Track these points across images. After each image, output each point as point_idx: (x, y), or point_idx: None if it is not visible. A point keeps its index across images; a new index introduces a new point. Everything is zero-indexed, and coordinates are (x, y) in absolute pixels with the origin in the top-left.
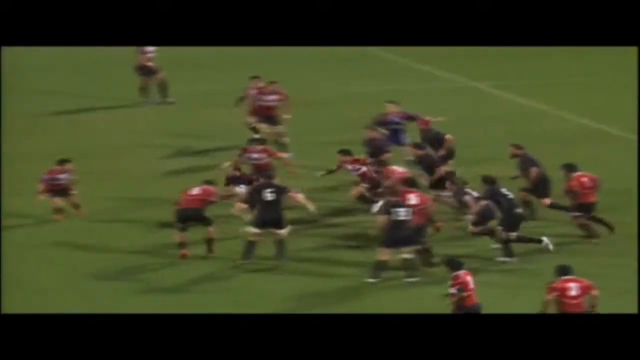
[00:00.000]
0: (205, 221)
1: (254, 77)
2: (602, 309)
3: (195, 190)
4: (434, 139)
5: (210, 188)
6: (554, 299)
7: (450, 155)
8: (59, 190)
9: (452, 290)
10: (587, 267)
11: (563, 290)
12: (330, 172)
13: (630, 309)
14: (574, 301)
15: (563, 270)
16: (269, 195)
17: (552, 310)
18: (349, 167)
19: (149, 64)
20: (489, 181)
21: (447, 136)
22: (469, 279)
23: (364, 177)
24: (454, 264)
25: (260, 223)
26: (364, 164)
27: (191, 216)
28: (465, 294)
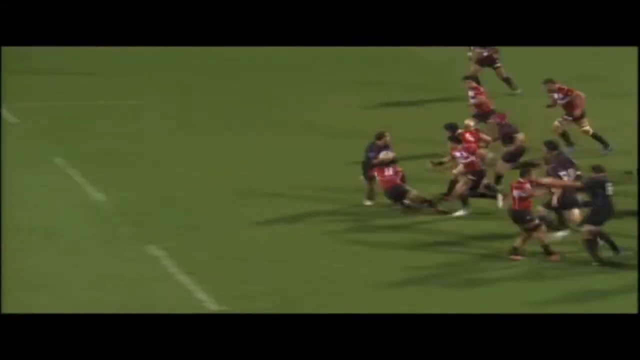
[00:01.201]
0: (527, 224)
1: (466, 78)
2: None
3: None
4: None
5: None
6: None
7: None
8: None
9: None
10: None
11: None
12: (440, 163)
13: (630, 309)
14: None
15: None
16: (610, 189)
17: None
18: (457, 154)
19: (491, 56)
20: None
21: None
22: None
23: (469, 167)
24: None
25: (602, 220)
26: (472, 152)
27: (516, 218)
28: None
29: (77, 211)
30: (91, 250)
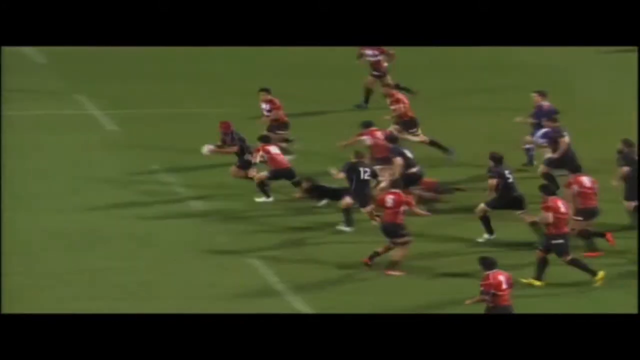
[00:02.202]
0: (399, 237)
1: (263, 90)
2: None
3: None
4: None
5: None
6: (491, 294)
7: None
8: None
9: (482, 290)
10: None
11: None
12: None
13: (630, 309)
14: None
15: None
16: None
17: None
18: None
19: (384, 65)
20: (495, 159)
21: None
22: (502, 278)
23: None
24: (486, 262)
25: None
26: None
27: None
28: (498, 293)
29: (174, 219)
30: (187, 259)
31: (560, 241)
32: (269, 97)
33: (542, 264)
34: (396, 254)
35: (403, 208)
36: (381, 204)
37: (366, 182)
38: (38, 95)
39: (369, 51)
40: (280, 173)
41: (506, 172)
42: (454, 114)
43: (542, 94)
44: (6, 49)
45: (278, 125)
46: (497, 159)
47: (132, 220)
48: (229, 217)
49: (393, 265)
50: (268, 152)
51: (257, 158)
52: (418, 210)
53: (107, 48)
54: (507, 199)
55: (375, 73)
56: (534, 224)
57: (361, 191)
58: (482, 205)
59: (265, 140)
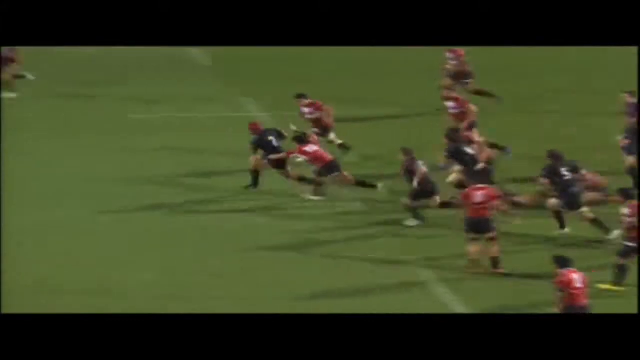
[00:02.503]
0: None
1: (300, 96)
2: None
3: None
4: None
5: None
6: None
7: None
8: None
9: (555, 287)
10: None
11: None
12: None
13: (630, 309)
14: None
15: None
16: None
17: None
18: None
19: (466, 68)
20: (554, 157)
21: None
22: (575, 277)
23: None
24: (560, 260)
25: None
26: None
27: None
28: (570, 292)
29: (327, 217)
30: (346, 258)
31: (634, 245)
32: (308, 100)
33: (622, 270)
34: (492, 250)
35: (492, 204)
36: (467, 199)
37: (424, 173)
38: (203, 98)
39: (450, 54)
40: (328, 167)
41: (562, 169)
42: (540, 117)
43: (632, 94)
44: (173, 52)
45: (319, 128)
46: (556, 157)
47: (283, 217)
48: (386, 214)
49: (495, 263)
50: (305, 153)
51: (295, 159)
52: (509, 211)
53: (271, 48)
54: (566, 196)
55: (466, 80)
56: (594, 222)
57: (426, 184)
58: (553, 201)
59: (300, 140)
